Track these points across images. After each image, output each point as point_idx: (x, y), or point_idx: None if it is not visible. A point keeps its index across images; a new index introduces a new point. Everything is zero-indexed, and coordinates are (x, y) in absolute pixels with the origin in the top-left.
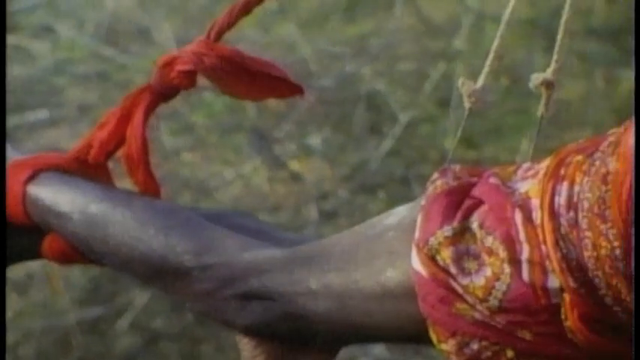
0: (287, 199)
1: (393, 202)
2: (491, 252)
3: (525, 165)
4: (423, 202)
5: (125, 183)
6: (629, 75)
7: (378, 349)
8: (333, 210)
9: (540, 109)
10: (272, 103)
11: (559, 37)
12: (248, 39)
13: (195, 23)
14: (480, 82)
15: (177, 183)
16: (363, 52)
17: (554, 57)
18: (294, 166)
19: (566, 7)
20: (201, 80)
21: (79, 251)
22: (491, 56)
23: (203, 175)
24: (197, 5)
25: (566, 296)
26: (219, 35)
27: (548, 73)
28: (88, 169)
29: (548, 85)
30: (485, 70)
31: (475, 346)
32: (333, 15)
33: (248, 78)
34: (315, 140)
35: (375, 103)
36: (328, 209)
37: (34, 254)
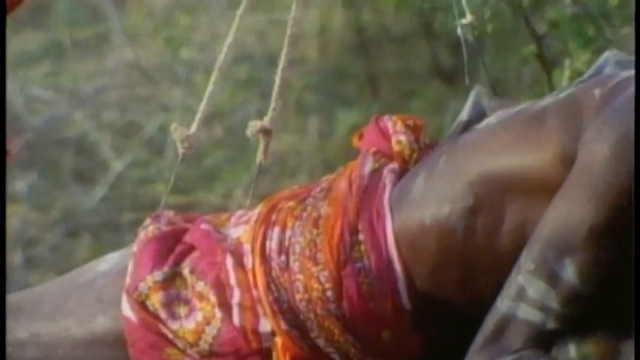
0: None
1: (103, 248)
2: (202, 297)
3: (239, 212)
4: (134, 248)
5: None
6: (342, 124)
7: None
8: (40, 256)
9: (258, 157)
10: None
11: (275, 85)
12: None
13: None
14: (194, 128)
15: None
16: (73, 97)
17: (272, 105)
18: None
19: (282, 56)
20: None
21: None
22: (203, 102)
23: None
24: None
25: (278, 340)
26: None
27: (266, 121)
28: None
29: (266, 132)
30: (199, 116)
31: None
32: (43, 59)
33: None
34: (21, 185)
35: (85, 149)
36: (35, 255)
37: None
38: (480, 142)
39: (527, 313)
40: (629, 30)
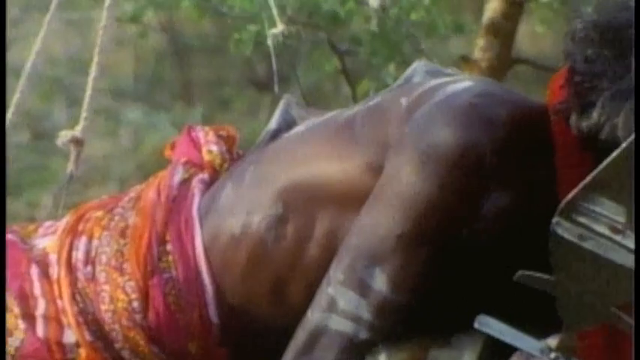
0: None
1: None
2: (5, 308)
3: (47, 223)
4: None
5: None
6: (153, 134)
7: None
8: None
9: (70, 167)
10: None
11: (87, 94)
12: None
13: None
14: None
15: None
16: None
17: (83, 115)
18: None
19: (93, 65)
20: None
21: None
22: (11, 109)
23: None
24: None
25: (82, 351)
26: None
27: (77, 131)
28: None
29: (77, 142)
30: (7, 124)
31: None
32: None
33: None
34: None
35: None
36: None
37: None
38: (288, 150)
39: (339, 324)
40: (429, 44)
